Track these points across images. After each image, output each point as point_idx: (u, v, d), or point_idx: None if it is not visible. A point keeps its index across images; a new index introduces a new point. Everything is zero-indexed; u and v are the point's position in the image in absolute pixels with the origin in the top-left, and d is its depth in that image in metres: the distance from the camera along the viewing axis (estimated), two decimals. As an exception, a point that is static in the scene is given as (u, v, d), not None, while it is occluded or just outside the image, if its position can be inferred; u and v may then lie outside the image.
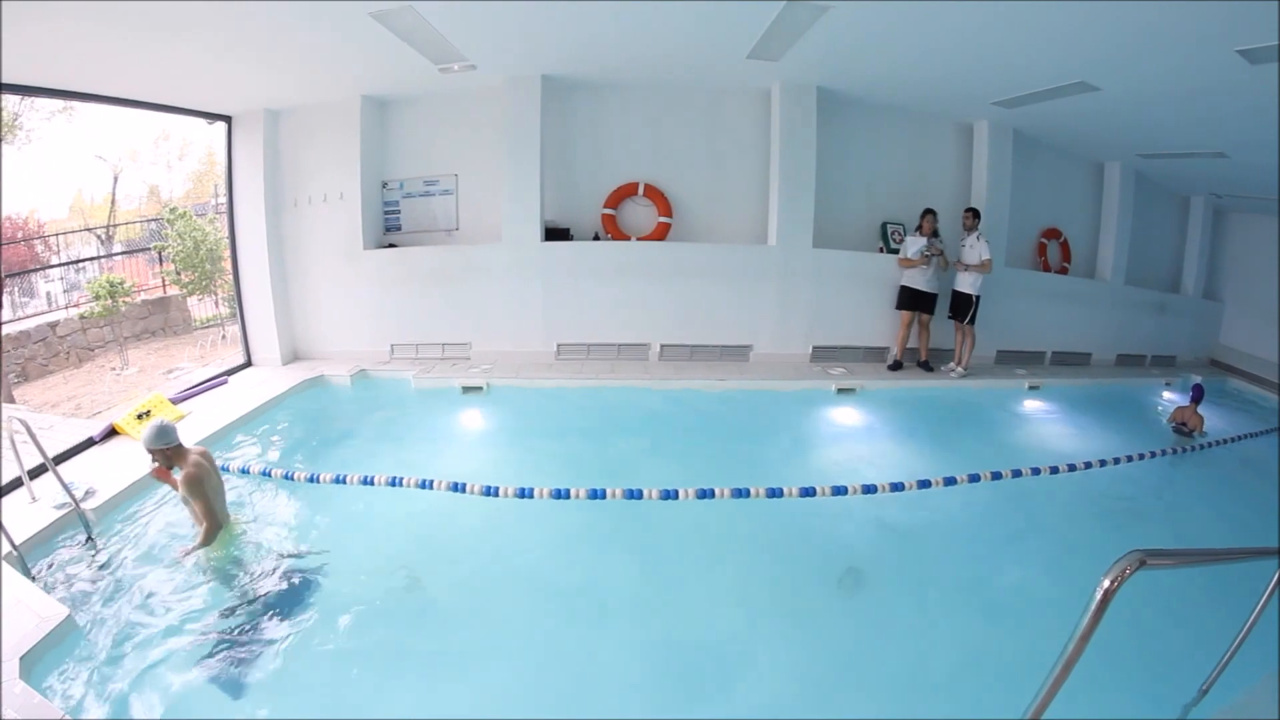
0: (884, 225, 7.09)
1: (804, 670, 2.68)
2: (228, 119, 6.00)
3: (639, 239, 6.53)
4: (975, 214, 6.60)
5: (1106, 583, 1.34)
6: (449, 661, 2.62)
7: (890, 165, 7.04)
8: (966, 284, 6.58)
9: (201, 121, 6.09)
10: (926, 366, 6.78)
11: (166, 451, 3.04)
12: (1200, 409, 5.92)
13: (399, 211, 6.67)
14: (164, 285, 9.94)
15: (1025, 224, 7.76)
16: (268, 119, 6.01)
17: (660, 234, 6.50)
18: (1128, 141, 7.19)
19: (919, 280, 6.48)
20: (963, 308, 6.63)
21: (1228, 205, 9.32)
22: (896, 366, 6.69)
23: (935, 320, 6.76)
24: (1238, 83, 4.47)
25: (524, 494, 3.66)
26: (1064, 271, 8.12)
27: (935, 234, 6.47)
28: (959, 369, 6.73)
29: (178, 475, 3.03)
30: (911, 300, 6.55)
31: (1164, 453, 5.42)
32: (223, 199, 7.32)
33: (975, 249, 6.51)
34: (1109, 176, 8.30)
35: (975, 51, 4.96)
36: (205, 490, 3.03)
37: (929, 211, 6.42)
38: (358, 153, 6.19)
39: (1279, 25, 3.18)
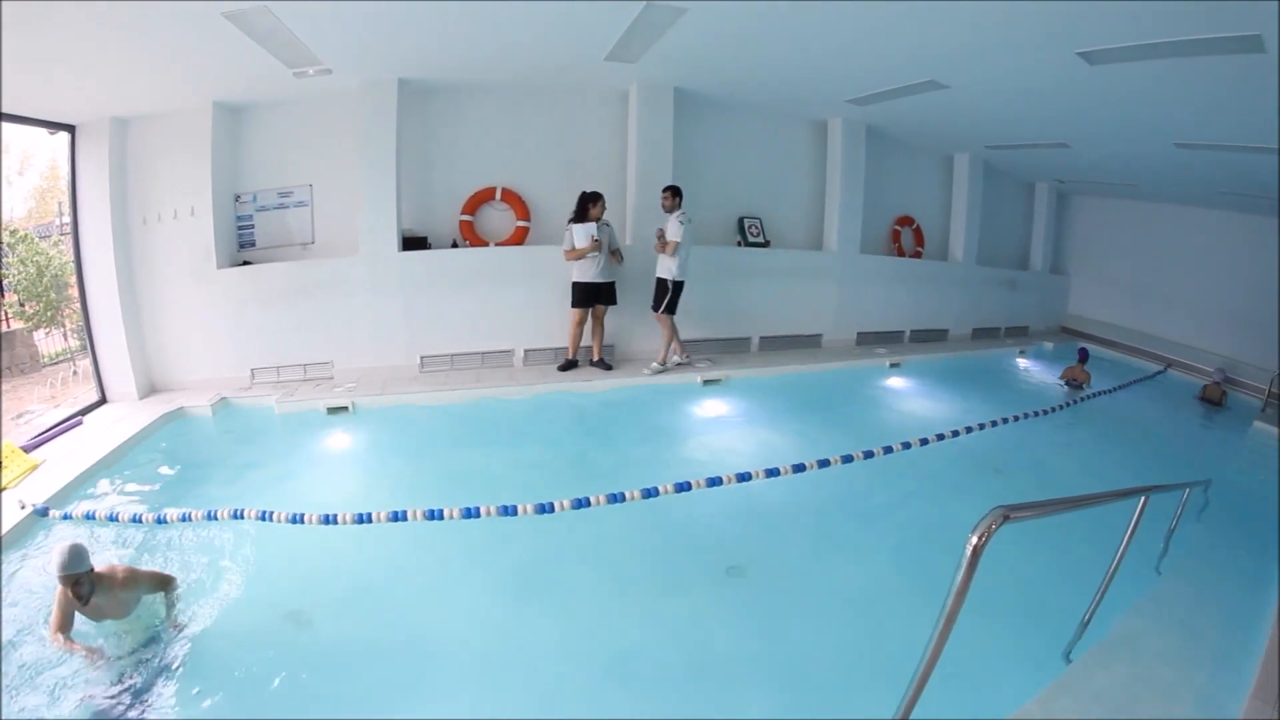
0: (741, 220, 7.40)
1: (698, 666, 2.73)
2: (71, 129, 5.47)
3: (497, 244, 6.49)
4: (674, 192, 6.03)
5: (975, 539, 1.41)
6: (340, 696, 2.56)
7: (747, 162, 7.32)
8: (661, 268, 6.11)
9: (43, 131, 5.58)
10: (604, 365, 6.26)
11: (90, 576, 2.60)
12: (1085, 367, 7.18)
13: (253, 226, 6.32)
14: (6, 319, 9.11)
15: (879, 213, 8.30)
16: (114, 128, 5.52)
17: (519, 238, 6.49)
18: (976, 134, 7.73)
19: (590, 272, 5.92)
20: (658, 295, 6.16)
21: (1070, 189, 10.27)
22: (571, 366, 6.18)
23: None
24: (1078, 81, 4.75)
25: (397, 517, 3.56)
26: (918, 255, 8.74)
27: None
28: (655, 364, 6.27)
29: (99, 599, 2.64)
30: (588, 296, 6.00)
31: (1059, 408, 6.34)
32: (68, 218, 6.78)
33: (671, 229, 6.00)
34: (958, 166, 8.96)
35: (829, 52, 5.15)
36: (138, 569, 2.81)
37: (595, 196, 5.88)
38: (209, 164, 5.81)
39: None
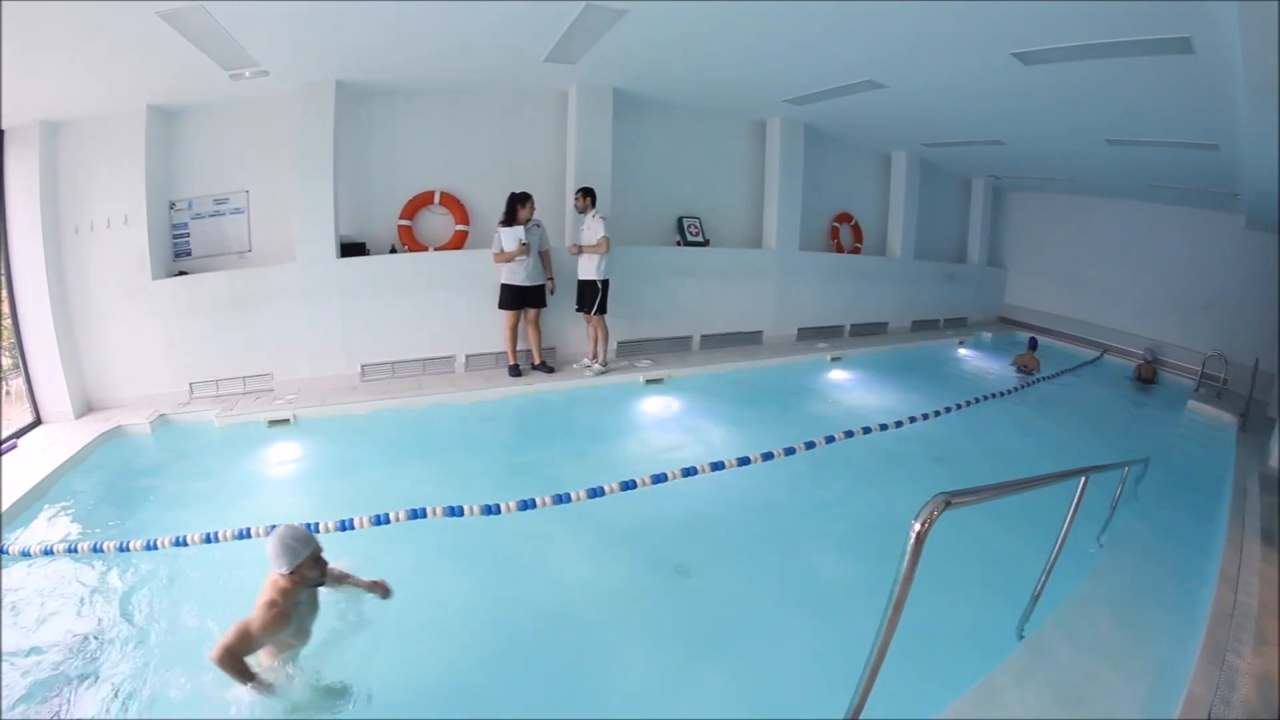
0: (680, 219, 7.53)
1: (647, 665, 2.76)
2: (-1, 133, 5.34)
3: (436, 249, 6.47)
4: (587, 193, 6.16)
5: (917, 526, 1.42)
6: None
7: (686, 162, 7.45)
8: (589, 270, 6.14)
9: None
10: (545, 368, 6.30)
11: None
12: (1035, 354, 7.82)
13: (188, 234, 6.19)
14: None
15: (818, 210, 8.53)
16: (44, 133, 5.30)
17: (458, 242, 6.48)
18: (913, 132, 7.97)
19: (519, 275, 5.93)
20: (588, 297, 6.22)
21: (1006, 184, 10.68)
22: (516, 372, 6.17)
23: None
24: (1013, 81, 4.91)
25: (344, 526, 3.52)
26: (857, 251, 9.00)
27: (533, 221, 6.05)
28: (596, 365, 6.37)
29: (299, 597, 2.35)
30: (515, 298, 6.03)
31: (1001, 394, 6.72)
32: (-4, 230, 6.52)
33: (591, 229, 6.09)
34: (896, 163, 9.24)
35: (768, 54, 5.22)
36: None
37: (524, 197, 5.90)
38: (143, 169, 5.65)
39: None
